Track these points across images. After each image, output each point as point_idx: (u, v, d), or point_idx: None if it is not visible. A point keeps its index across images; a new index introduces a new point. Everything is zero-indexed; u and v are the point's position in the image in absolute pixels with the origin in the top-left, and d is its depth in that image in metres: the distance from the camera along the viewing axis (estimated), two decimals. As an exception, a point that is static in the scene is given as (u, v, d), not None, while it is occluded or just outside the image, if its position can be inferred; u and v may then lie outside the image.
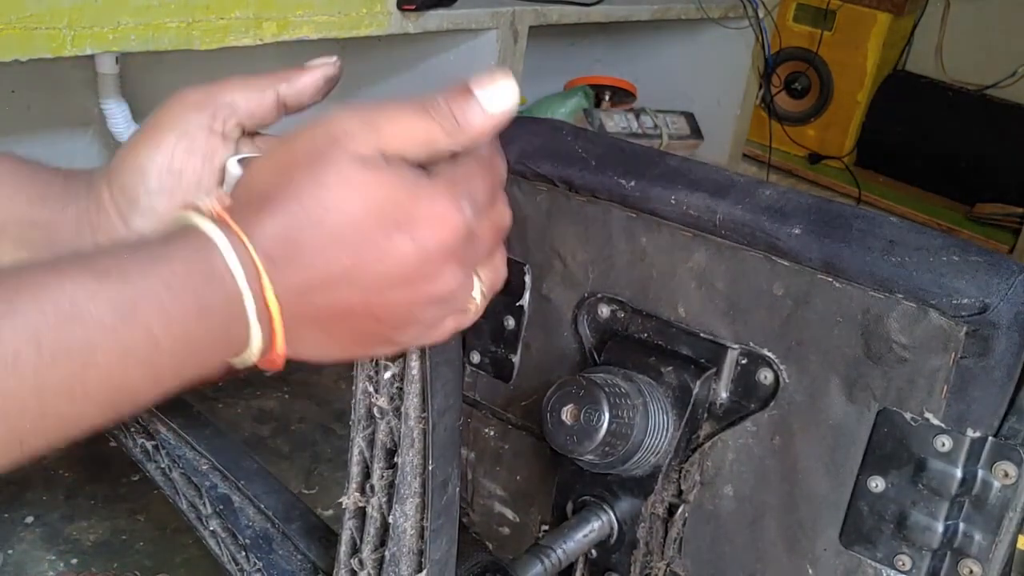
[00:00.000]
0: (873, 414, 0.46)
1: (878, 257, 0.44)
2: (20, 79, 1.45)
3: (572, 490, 0.54)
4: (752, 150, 2.60)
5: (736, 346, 0.50)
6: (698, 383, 0.50)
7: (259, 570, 0.64)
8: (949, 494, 0.44)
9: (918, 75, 2.64)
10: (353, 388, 0.53)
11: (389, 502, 0.52)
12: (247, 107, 0.47)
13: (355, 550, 0.55)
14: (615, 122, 2.11)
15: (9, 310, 0.33)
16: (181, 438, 0.73)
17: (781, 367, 0.49)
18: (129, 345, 0.35)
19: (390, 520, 0.52)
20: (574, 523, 0.53)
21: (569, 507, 0.54)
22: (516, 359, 0.60)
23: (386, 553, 0.53)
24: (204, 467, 0.71)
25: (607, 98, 2.32)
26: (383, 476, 0.52)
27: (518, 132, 0.54)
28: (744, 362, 0.50)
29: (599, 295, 0.55)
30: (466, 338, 0.61)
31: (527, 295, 0.58)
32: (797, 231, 0.46)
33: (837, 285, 0.46)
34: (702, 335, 0.51)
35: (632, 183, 0.51)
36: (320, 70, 0.48)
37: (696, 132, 2.25)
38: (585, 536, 0.52)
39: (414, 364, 0.49)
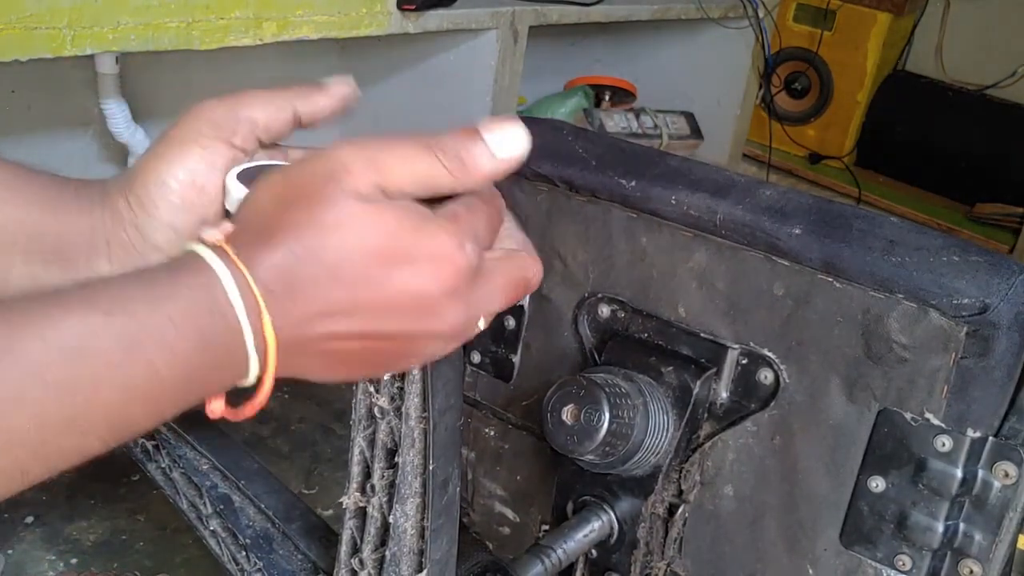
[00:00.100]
0: (873, 414, 0.46)
1: (878, 257, 0.44)
2: (20, 79, 1.45)
3: (572, 490, 0.54)
4: (752, 150, 2.59)
5: (736, 346, 0.50)
6: (698, 383, 0.50)
7: (259, 570, 0.64)
8: (949, 494, 0.44)
9: (918, 75, 2.64)
10: (354, 388, 0.53)
11: (390, 502, 0.52)
12: (266, 122, 0.47)
13: (356, 550, 0.55)
14: (615, 122, 2.11)
15: (14, 345, 0.33)
16: (181, 438, 0.73)
17: (781, 367, 0.49)
18: (133, 380, 0.35)
19: (391, 520, 0.52)
20: (574, 523, 0.53)
21: (569, 507, 0.54)
22: (516, 359, 0.60)
23: (387, 553, 0.53)
24: (204, 467, 0.71)
25: (607, 98, 2.32)
26: (384, 476, 0.52)
27: (518, 132, 0.54)
28: (744, 362, 0.50)
29: (599, 295, 0.55)
30: (466, 338, 0.61)
31: (527, 295, 0.58)
32: (797, 231, 0.46)
33: (837, 285, 0.46)
34: (702, 335, 0.51)
35: (632, 183, 0.51)
36: (338, 91, 0.48)
37: (696, 132, 2.25)
38: (585, 536, 0.52)
39: (415, 364, 0.49)
